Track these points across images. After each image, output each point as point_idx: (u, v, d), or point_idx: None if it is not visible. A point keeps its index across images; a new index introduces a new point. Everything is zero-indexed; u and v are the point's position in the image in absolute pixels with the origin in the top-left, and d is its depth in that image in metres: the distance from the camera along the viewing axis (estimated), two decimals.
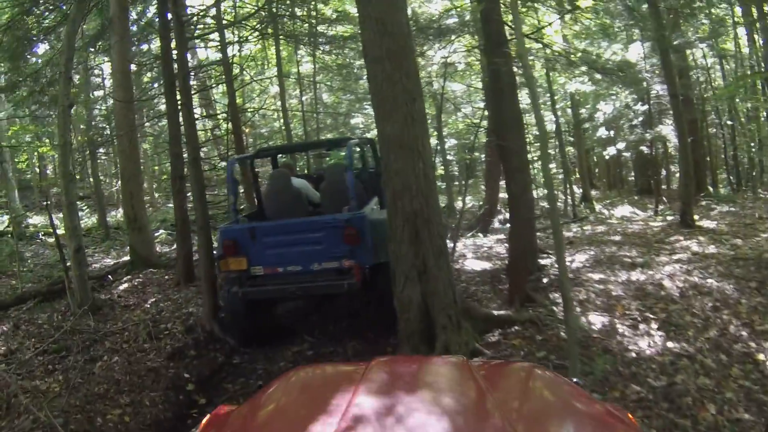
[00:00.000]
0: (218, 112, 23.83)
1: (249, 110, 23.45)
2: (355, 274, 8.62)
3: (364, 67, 22.00)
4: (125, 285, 14.14)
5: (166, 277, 14.46)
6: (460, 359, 3.77)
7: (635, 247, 13.59)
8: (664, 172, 26.20)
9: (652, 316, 8.99)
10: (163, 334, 10.21)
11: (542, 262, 12.17)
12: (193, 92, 12.22)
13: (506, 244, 13.13)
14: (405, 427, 2.51)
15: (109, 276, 15.25)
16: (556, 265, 12.02)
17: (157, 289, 13.44)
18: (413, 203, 7.58)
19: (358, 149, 11.33)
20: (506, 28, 11.01)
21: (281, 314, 11.19)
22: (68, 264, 11.75)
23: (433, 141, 24.69)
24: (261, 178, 14.14)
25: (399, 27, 7.64)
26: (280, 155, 13.67)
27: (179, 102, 11.77)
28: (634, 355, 7.78)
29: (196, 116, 24.54)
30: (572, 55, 15.46)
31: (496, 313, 8.86)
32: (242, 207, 16.49)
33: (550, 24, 11.93)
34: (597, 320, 8.89)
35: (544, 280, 10.97)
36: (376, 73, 7.68)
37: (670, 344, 8.02)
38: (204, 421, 3.17)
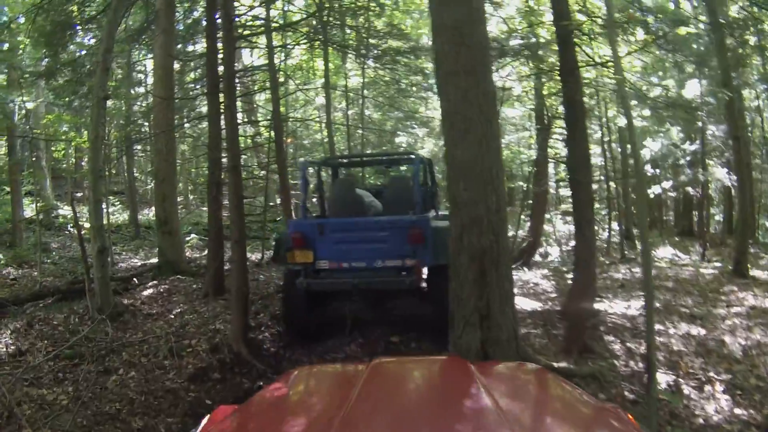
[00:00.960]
0: (260, 119, 23.27)
1: (293, 119, 22.80)
2: (416, 272, 8.96)
3: (412, 85, 22.23)
4: (150, 290, 13.52)
5: (194, 286, 13.81)
6: (460, 360, 3.83)
7: (690, 295, 12.88)
8: (704, 214, 25.19)
9: (716, 376, 8.23)
10: (186, 351, 9.42)
11: (597, 306, 11.26)
12: (237, 96, 11.53)
13: (553, 281, 12.36)
14: (405, 428, 2.50)
15: (135, 279, 14.72)
16: (611, 310, 11.31)
17: (184, 298, 12.80)
18: (482, 240, 6.81)
19: (421, 165, 11.24)
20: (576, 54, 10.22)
21: (333, 317, 10.90)
22: (90, 264, 11.10)
23: None
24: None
25: (478, 39, 6.89)
26: (342, 166, 14.13)
27: (222, 104, 11.08)
28: (701, 421, 7.02)
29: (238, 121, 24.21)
30: (626, 88, 14.67)
31: (556, 365, 7.97)
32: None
33: (627, 54, 11.17)
34: (661, 378, 8.03)
35: (601, 328, 10.16)
36: (449, 88, 6.92)
37: (737, 411, 7.27)
38: (204, 421, 3.11)
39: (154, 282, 14.24)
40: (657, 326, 10.09)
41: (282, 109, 21.38)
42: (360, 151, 22.80)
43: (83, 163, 27.84)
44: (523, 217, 21.79)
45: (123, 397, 7.66)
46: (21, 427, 6.58)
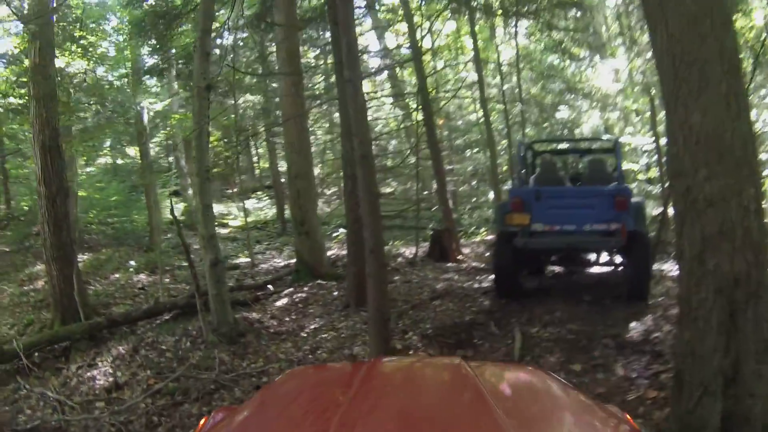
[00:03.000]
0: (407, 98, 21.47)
1: (443, 96, 20.79)
2: (621, 234, 9.66)
3: (572, 47, 19.84)
4: (284, 300, 12.09)
5: (335, 293, 12.17)
6: (459, 360, 3.48)
7: None
8: None
9: None
10: None
11: None
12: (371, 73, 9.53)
13: None
14: (403, 428, 2.51)
15: (270, 286, 13.30)
16: None
17: (321, 310, 11.17)
18: (734, 262, 4.24)
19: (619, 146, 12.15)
20: None
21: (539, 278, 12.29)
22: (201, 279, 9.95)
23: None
24: None
25: None
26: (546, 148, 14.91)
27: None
28: None
29: (376, 102, 22.10)
30: None
31: None
32: None
33: None
34: None
35: None
36: (668, 15, 4.37)
37: None
38: (202, 421, 3.16)
39: (290, 290, 12.73)
40: None
41: (431, 91, 19.88)
42: (522, 130, 21.58)
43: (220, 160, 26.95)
44: None
45: None
46: None
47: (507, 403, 2.89)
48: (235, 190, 31.04)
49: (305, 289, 12.57)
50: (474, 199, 27.26)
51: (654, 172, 19.91)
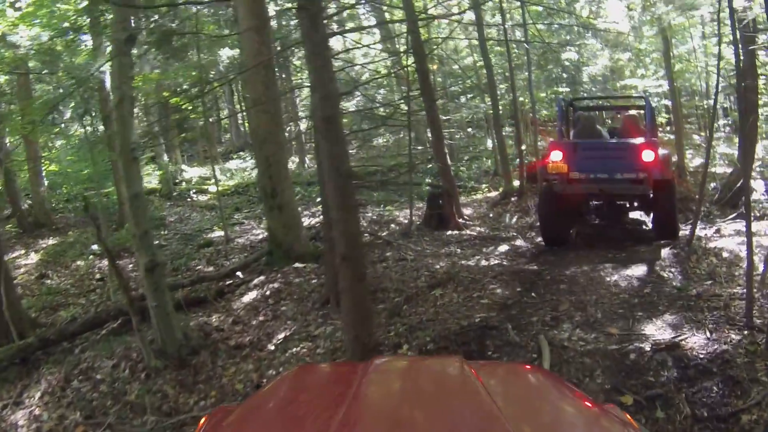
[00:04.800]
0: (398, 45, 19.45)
1: (435, 41, 18.62)
2: (648, 182, 10.80)
3: None
4: (253, 294, 10.13)
5: (314, 280, 10.16)
6: (459, 359, 3.49)
7: None
8: None
9: None
10: None
11: None
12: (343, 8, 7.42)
13: None
14: (404, 428, 2.48)
15: (239, 273, 11.39)
16: None
17: (295, 308, 9.20)
18: None
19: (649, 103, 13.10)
20: None
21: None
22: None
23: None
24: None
25: None
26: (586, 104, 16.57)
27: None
28: None
29: (368, 49, 19.95)
30: None
31: None
32: None
33: None
34: None
35: None
36: None
37: None
38: (202, 421, 3.03)
39: (261, 278, 10.68)
40: None
41: (423, 34, 17.71)
42: (527, 73, 20.09)
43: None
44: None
45: None
46: None
47: (508, 402, 2.76)
48: (219, 150, 29.29)
49: (278, 276, 10.52)
50: (471, 149, 25.59)
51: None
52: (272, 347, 7.84)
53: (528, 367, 4.12)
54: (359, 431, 2.40)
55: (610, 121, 16.18)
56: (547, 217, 11.93)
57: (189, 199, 21.22)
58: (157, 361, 7.27)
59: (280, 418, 2.80)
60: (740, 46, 13.48)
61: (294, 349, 7.64)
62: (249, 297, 9.93)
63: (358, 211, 6.44)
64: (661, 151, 11.53)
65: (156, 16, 12.45)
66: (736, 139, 22.03)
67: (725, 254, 9.79)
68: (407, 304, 8.62)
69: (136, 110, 23.34)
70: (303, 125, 25.88)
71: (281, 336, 8.16)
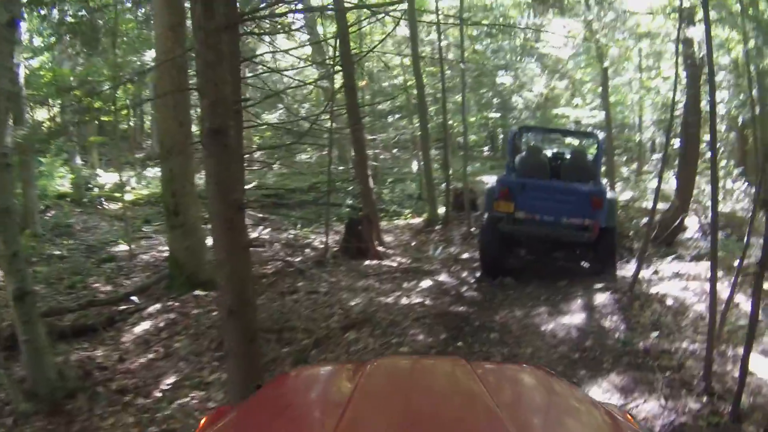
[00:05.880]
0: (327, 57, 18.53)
1: (361, 52, 17.76)
2: (593, 230, 10.91)
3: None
4: (147, 324, 9.02)
5: (215, 313, 9.00)
6: (460, 360, 3.53)
7: None
8: None
9: None
10: None
11: None
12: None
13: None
14: (404, 429, 2.42)
15: (135, 298, 10.15)
16: None
17: (190, 345, 8.17)
18: None
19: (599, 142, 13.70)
20: None
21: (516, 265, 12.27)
22: None
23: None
24: None
25: None
26: (533, 133, 16.65)
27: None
28: None
29: (298, 61, 18.93)
30: None
31: None
32: None
33: None
34: None
35: None
36: None
37: None
38: (202, 422, 3.00)
39: (158, 306, 9.55)
40: None
41: (356, 48, 17.21)
42: (461, 96, 18.54)
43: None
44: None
45: None
46: None
47: (509, 402, 2.83)
48: (139, 156, 27.76)
49: (176, 305, 9.49)
50: (396, 170, 24.87)
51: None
52: (159, 394, 6.80)
53: (530, 367, 4.13)
54: None
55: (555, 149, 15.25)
56: (489, 250, 11.83)
57: (99, 207, 19.65)
58: (27, 404, 6.25)
59: (280, 418, 2.69)
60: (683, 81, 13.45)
61: (183, 399, 6.62)
62: (141, 328, 8.84)
63: (248, 251, 5.33)
64: (609, 197, 11.73)
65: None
66: (667, 174, 21.90)
67: (669, 301, 9.14)
68: (316, 349, 7.74)
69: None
70: None
71: (170, 380, 7.12)
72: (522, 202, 11.18)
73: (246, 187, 8.60)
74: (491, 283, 11.15)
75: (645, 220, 14.92)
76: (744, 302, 8.50)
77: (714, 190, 6.66)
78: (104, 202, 19.84)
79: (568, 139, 18.92)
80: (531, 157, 12.52)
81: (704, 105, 13.66)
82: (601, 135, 15.53)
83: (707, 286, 9.55)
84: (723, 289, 9.07)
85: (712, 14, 12.00)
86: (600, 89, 21.04)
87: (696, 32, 12.15)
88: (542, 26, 19.80)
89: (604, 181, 13.55)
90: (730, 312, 7.62)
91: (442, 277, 11.66)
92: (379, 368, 3.33)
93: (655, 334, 7.85)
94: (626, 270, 11.39)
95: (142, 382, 7.10)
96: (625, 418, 2.95)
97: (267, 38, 12.98)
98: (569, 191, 11.41)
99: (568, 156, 13.58)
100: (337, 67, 14.04)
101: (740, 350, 6.54)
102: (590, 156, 13.25)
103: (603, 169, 14.57)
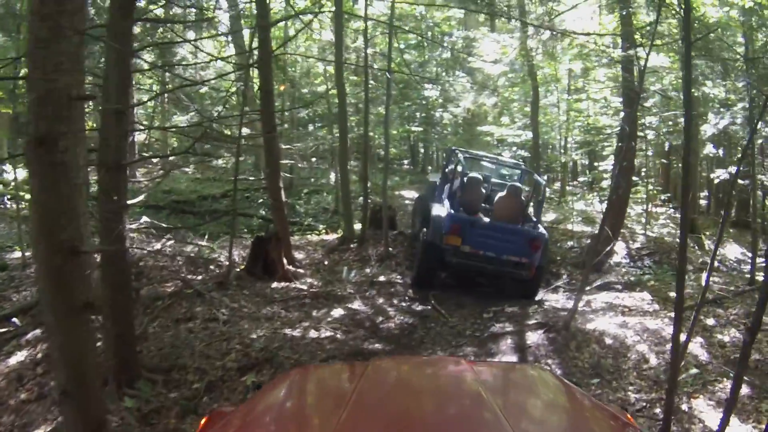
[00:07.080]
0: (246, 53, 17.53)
1: (282, 55, 16.86)
2: (530, 269, 12.12)
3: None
4: (22, 354, 8.02)
5: (100, 342, 7.55)
6: (460, 360, 3.74)
7: None
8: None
9: None
10: None
11: None
12: None
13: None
14: (404, 428, 2.51)
15: (15, 319, 9.10)
16: None
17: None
18: None
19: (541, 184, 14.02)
20: None
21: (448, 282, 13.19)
22: None
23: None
24: None
25: None
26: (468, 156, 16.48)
27: None
28: None
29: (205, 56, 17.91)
30: None
31: None
32: None
33: None
34: None
35: None
36: None
37: None
38: (202, 422, 3.08)
39: (37, 333, 8.43)
40: None
41: (277, 48, 16.20)
42: (386, 108, 17.81)
43: None
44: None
45: None
46: None
47: (509, 402, 2.88)
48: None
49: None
50: (312, 180, 24.56)
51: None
52: None
53: (530, 367, 4.18)
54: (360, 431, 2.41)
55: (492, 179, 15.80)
56: (427, 272, 12.80)
57: (1, 206, 17.90)
58: None
59: (281, 419, 2.80)
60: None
61: None
62: (17, 358, 7.87)
63: (88, 314, 4.26)
64: (545, 238, 12.71)
65: None
66: (589, 196, 21.71)
67: (608, 340, 8.60)
68: (208, 395, 6.88)
69: None
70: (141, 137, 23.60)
71: None
72: (469, 238, 12.14)
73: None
74: (417, 300, 11.93)
75: (570, 243, 16.09)
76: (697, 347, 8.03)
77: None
78: (7, 201, 18.07)
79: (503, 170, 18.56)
80: (472, 191, 13.65)
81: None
82: (514, 147, 17.32)
83: (647, 322, 8.97)
84: (664, 327, 8.56)
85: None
86: (528, 108, 20.70)
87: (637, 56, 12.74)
88: (474, 40, 19.36)
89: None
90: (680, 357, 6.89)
91: (356, 305, 10.89)
92: (379, 368, 3.42)
93: (596, 381, 7.34)
94: (554, 300, 12.06)
95: None
96: (626, 419, 2.96)
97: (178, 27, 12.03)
98: (513, 232, 12.50)
99: (504, 192, 13.99)
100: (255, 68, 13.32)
101: (697, 402, 6.35)
102: (527, 190, 14.56)
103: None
